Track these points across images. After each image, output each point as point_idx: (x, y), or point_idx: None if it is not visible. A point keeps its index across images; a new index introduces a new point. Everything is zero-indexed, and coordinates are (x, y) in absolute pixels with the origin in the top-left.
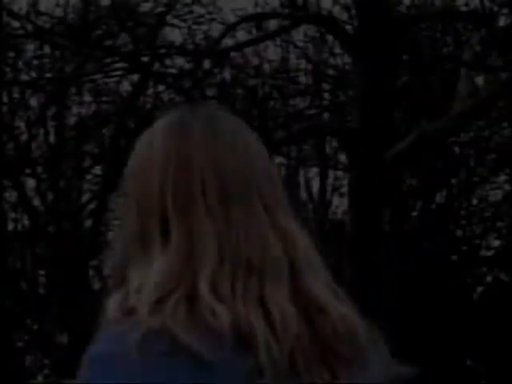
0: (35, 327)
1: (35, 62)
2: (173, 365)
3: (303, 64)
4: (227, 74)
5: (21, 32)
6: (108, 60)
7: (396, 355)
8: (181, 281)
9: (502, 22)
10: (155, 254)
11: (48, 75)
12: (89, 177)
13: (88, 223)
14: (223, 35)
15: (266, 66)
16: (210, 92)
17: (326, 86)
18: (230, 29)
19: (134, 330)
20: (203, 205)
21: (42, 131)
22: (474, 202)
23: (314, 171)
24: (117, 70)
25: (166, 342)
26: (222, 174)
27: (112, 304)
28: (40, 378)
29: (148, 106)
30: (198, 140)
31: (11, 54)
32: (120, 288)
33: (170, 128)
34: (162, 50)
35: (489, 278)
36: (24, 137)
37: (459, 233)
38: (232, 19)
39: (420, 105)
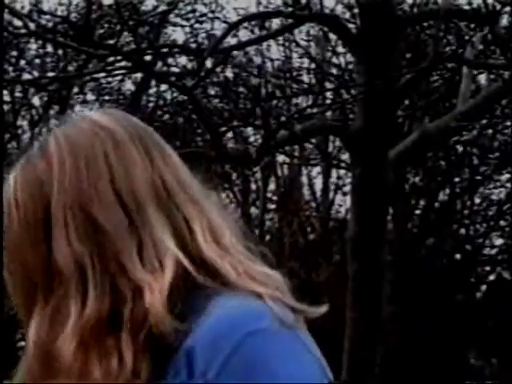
0: None
1: (38, 61)
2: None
3: (306, 63)
4: (230, 73)
5: (23, 31)
6: (110, 59)
7: (400, 353)
8: None
9: (504, 20)
10: None
11: (50, 74)
12: None
13: None
14: (226, 34)
15: (269, 65)
16: (212, 91)
17: (328, 85)
18: (233, 28)
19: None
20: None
21: (44, 130)
22: (477, 200)
23: (316, 170)
24: (119, 69)
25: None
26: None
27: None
28: None
29: (151, 104)
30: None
31: (13, 53)
32: None
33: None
34: (165, 49)
35: (492, 277)
36: (26, 136)
37: (462, 231)
38: (234, 18)
39: (423, 104)
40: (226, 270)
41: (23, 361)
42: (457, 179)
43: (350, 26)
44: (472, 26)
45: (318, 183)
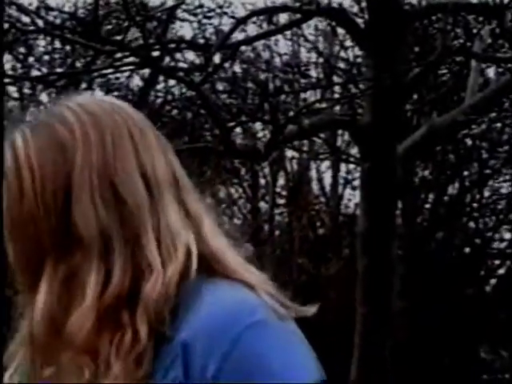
0: None
1: (46, 57)
2: None
3: (314, 57)
4: (238, 68)
5: (31, 28)
6: (118, 55)
7: (410, 347)
8: None
9: None
10: None
11: (59, 70)
12: None
13: None
14: (233, 29)
15: (277, 60)
16: (220, 86)
17: (337, 80)
18: (241, 23)
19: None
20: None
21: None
22: (486, 194)
23: (325, 165)
24: (127, 64)
25: None
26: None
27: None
28: None
29: (159, 100)
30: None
31: (22, 50)
32: None
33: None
34: (173, 45)
35: (501, 271)
36: None
37: (472, 225)
38: (242, 13)
39: (431, 97)
40: (228, 261)
41: (25, 326)
42: (466, 173)
43: (358, 20)
44: (480, 19)
45: (327, 178)
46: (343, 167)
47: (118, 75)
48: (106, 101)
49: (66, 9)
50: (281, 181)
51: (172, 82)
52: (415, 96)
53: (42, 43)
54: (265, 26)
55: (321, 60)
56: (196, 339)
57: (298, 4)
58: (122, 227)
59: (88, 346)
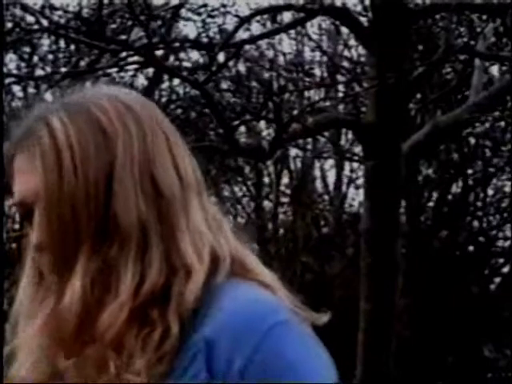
0: None
1: (50, 56)
2: None
3: (318, 56)
4: (242, 67)
5: (36, 27)
6: (123, 54)
7: (414, 345)
8: None
9: None
10: None
11: (63, 70)
12: None
13: None
14: (237, 28)
15: (281, 59)
16: (224, 85)
17: (340, 78)
18: (245, 22)
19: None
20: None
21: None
22: (490, 192)
23: (329, 163)
24: (131, 64)
25: None
26: None
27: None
28: None
29: (163, 99)
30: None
31: (26, 49)
32: None
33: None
34: (177, 44)
35: (505, 269)
36: None
37: (476, 223)
38: (246, 12)
39: (435, 96)
40: (246, 262)
41: (45, 314)
42: (470, 171)
43: (362, 19)
44: (484, 17)
45: (331, 176)
46: (347, 166)
47: (123, 74)
48: (137, 95)
49: (71, 8)
50: (285, 179)
51: (176, 81)
52: (419, 95)
53: (46, 42)
54: (269, 25)
55: (325, 59)
56: (221, 336)
57: (301, 2)
58: (159, 222)
59: (116, 341)
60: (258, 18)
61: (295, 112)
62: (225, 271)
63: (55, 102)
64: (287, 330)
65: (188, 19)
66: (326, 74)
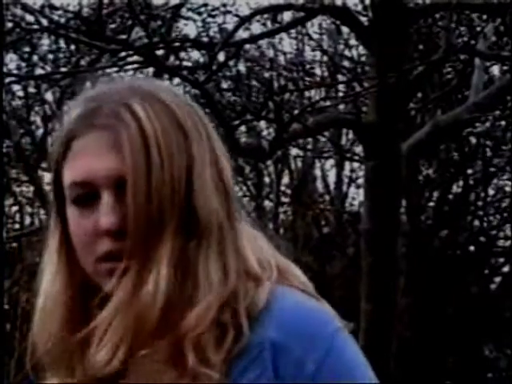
0: None
1: (50, 56)
2: None
3: (318, 56)
4: (242, 67)
5: (36, 26)
6: (123, 54)
7: (414, 345)
8: None
9: None
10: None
11: (63, 69)
12: None
13: None
14: (237, 28)
15: (281, 58)
16: (224, 85)
17: (341, 78)
18: (245, 21)
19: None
20: None
21: (57, 125)
22: (491, 192)
23: (330, 163)
24: (131, 63)
25: None
26: None
27: None
28: None
29: None
30: None
31: (26, 49)
32: None
33: None
34: (177, 44)
35: (506, 269)
36: (40, 131)
37: (476, 223)
38: (246, 12)
39: (435, 96)
40: (292, 271)
41: (119, 303)
42: (470, 171)
43: (362, 18)
44: (484, 17)
45: (332, 176)
46: (347, 165)
47: (123, 74)
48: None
49: (71, 8)
50: (285, 179)
51: (176, 81)
52: (419, 94)
53: (46, 42)
54: (269, 24)
55: (325, 58)
56: (290, 340)
57: (301, 1)
58: (229, 224)
59: (197, 338)
60: (258, 17)
61: (296, 112)
62: (275, 277)
63: (121, 85)
64: (345, 336)
65: (188, 19)
66: (326, 74)
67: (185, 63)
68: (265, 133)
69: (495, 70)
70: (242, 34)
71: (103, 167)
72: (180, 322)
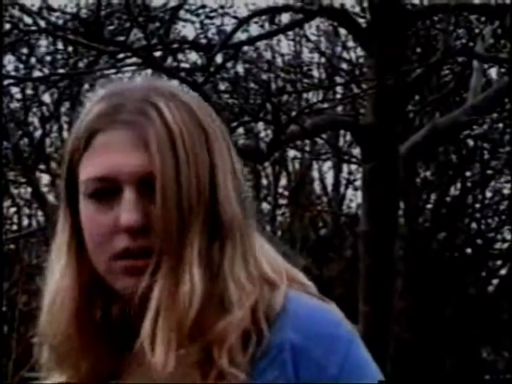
0: None
1: (48, 58)
2: None
3: (316, 58)
4: (240, 68)
5: (33, 28)
6: (121, 55)
7: (412, 347)
8: None
9: None
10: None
11: (61, 71)
12: None
13: None
14: (235, 29)
15: (279, 60)
16: (222, 86)
17: (339, 80)
18: (243, 23)
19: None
20: None
21: (55, 127)
22: (489, 195)
23: (327, 165)
24: (129, 65)
25: None
26: None
27: None
28: None
29: None
30: None
31: (24, 51)
32: None
33: None
34: (175, 45)
35: (503, 271)
36: (38, 133)
37: (474, 226)
38: (244, 13)
39: (433, 98)
40: (299, 276)
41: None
42: (468, 173)
43: (360, 20)
44: (482, 19)
45: (329, 178)
46: (345, 167)
47: (121, 76)
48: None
49: (69, 9)
50: (283, 181)
51: (174, 83)
52: (417, 96)
53: (44, 44)
54: (267, 26)
55: (323, 60)
56: (311, 343)
57: (299, 4)
58: (246, 223)
59: (226, 342)
60: (256, 19)
61: (293, 113)
62: (285, 282)
63: (141, 83)
64: (358, 337)
65: (186, 20)
66: (324, 76)
67: (183, 65)
68: (262, 134)
69: (493, 72)
70: (240, 35)
71: (129, 163)
72: (213, 326)
